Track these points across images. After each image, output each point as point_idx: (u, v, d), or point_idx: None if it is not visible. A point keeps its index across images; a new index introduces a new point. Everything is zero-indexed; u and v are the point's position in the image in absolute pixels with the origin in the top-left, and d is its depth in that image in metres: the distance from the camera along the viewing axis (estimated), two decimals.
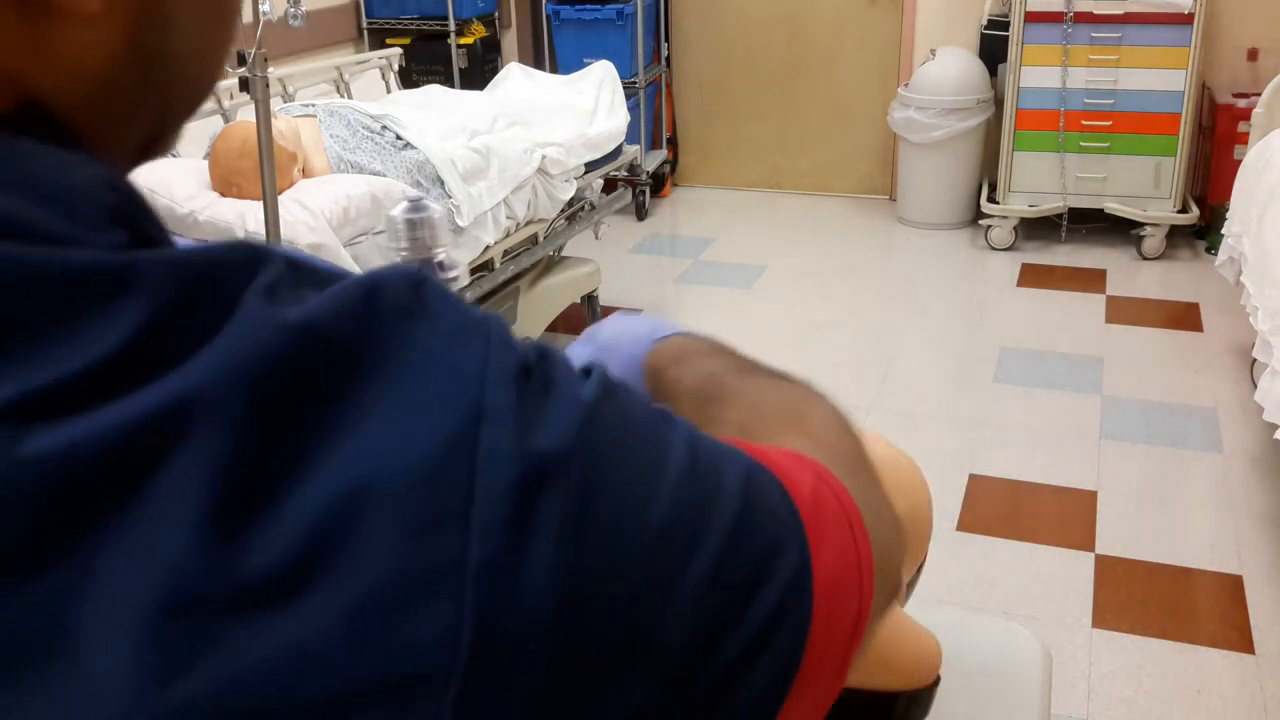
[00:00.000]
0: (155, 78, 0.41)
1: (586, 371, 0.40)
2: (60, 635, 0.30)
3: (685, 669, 0.38)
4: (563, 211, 3.34)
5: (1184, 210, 4.30)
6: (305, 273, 0.37)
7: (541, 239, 3.22)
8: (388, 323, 0.35)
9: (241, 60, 2.05)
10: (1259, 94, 3.60)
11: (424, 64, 4.57)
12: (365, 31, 4.61)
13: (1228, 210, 3.28)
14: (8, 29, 0.36)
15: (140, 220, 0.37)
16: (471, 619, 0.32)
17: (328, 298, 0.35)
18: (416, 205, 0.81)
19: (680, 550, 0.38)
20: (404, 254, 0.81)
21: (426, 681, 0.32)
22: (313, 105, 3.00)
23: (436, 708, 0.32)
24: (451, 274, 0.82)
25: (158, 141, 0.44)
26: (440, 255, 0.81)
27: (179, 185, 2.55)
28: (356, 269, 2.41)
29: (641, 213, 4.96)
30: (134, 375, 0.32)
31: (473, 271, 2.91)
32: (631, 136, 3.68)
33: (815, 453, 0.50)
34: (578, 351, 0.75)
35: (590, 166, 3.38)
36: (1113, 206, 4.34)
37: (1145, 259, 4.34)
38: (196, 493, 0.31)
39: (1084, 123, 4.28)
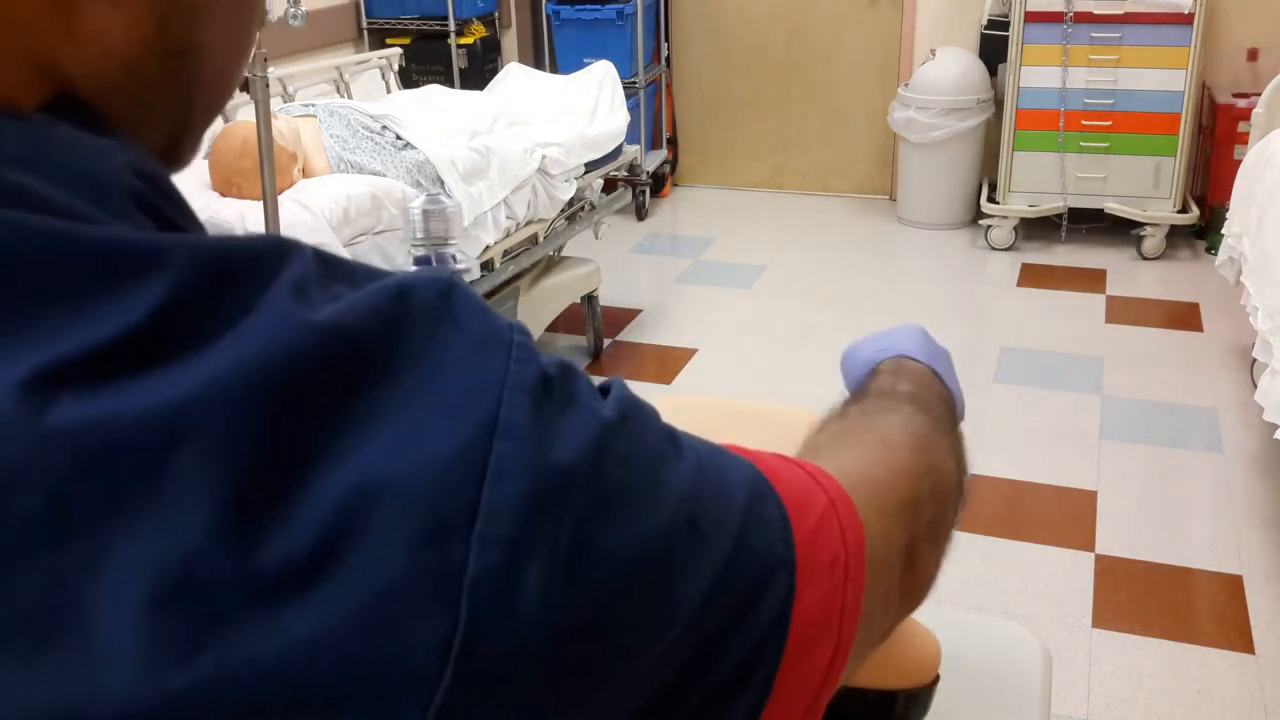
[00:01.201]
0: (180, 69, 0.42)
1: (605, 390, 0.40)
2: (74, 613, 0.30)
3: (662, 702, 0.39)
4: (563, 211, 3.34)
5: (1184, 210, 4.30)
6: (336, 268, 0.37)
7: (541, 239, 3.22)
8: (414, 328, 0.35)
9: None
10: (1259, 94, 3.60)
11: (424, 64, 4.57)
12: (365, 31, 4.61)
13: (1228, 210, 3.28)
14: (42, 14, 0.37)
15: (166, 208, 0.38)
16: (464, 629, 0.33)
17: (358, 299, 0.35)
18: (433, 199, 0.83)
19: (671, 585, 0.38)
20: (419, 244, 0.83)
21: (415, 685, 0.32)
22: (313, 105, 3.00)
23: (420, 714, 0.32)
24: (463, 265, 0.84)
25: (180, 143, 0.45)
26: (454, 247, 0.83)
27: (179, 185, 2.55)
28: None
29: (641, 213, 4.96)
30: (155, 354, 0.32)
31: None
32: (631, 136, 3.68)
33: (860, 482, 0.49)
34: (854, 350, 0.78)
35: (590, 166, 3.38)
36: (1113, 206, 4.34)
37: (1145, 259, 4.34)
38: (215, 481, 0.31)
39: (1084, 123, 4.28)
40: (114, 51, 0.39)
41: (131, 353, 0.32)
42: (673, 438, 0.42)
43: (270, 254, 0.36)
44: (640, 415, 0.41)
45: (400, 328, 0.35)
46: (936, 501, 0.55)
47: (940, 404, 0.65)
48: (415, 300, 0.36)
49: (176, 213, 0.39)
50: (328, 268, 0.37)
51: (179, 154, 0.46)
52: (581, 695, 0.36)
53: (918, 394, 0.65)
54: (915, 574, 0.53)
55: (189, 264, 0.34)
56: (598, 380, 0.41)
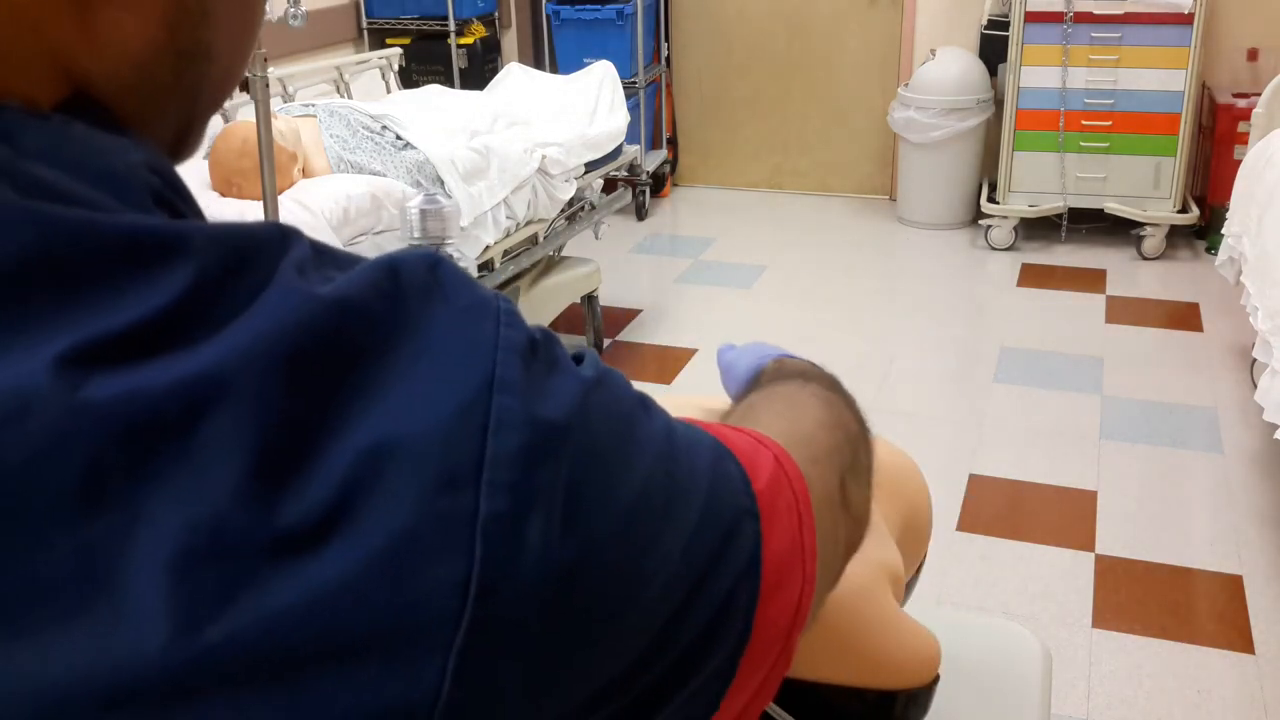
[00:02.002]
0: (189, 69, 0.44)
1: (579, 358, 0.43)
2: (109, 577, 0.32)
3: (655, 642, 0.41)
4: (563, 211, 3.34)
5: (1184, 210, 4.30)
6: (325, 254, 0.40)
7: (541, 239, 3.22)
8: (410, 300, 0.38)
9: None
10: (1259, 94, 3.60)
11: (424, 64, 4.57)
12: (365, 31, 4.61)
13: (1228, 210, 3.28)
14: (61, 16, 0.39)
15: (177, 202, 0.40)
16: (479, 571, 0.35)
17: (356, 276, 0.38)
18: (430, 199, 0.84)
19: (655, 533, 0.41)
20: (417, 244, 0.84)
21: (436, 628, 0.34)
22: (313, 105, 3.00)
23: (443, 655, 0.34)
24: (460, 265, 0.85)
25: (185, 139, 0.47)
26: (451, 246, 0.84)
27: None
28: None
29: (641, 213, 4.96)
30: (183, 333, 0.34)
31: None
32: (631, 136, 3.68)
33: (788, 438, 0.53)
34: (727, 353, 0.84)
35: (590, 166, 3.38)
36: (1113, 206, 4.34)
37: (1145, 259, 4.34)
38: (241, 447, 0.33)
39: (1084, 123, 4.28)
40: (128, 53, 0.41)
41: (160, 333, 0.34)
42: (643, 401, 0.45)
43: (274, 239, 0.38)
44: (613, 379, 0.43)
45: (396, 300, 0.38)
46: (851, 445, 0.60)
47: (827, 379, 0.69)
48: (406, 275, 0.38)
49: (185, 207, 0.41)
50: (319, 253, 0.40)
51: (183, 148, 0.47)
52: (586, 641, 0.38)
53: (806, 372, 0.70)
54: (850, 512, 0.57)
55: (209, 250, 0.36)
56: (570, 351, 0.43)
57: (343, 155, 2.82)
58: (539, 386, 0.38)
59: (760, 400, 0.64)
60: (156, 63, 0.42)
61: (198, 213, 0.42)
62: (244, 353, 0.34)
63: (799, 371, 0.70)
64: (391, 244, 2.64)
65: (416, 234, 0.70)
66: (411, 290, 0.38)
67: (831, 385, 0.66)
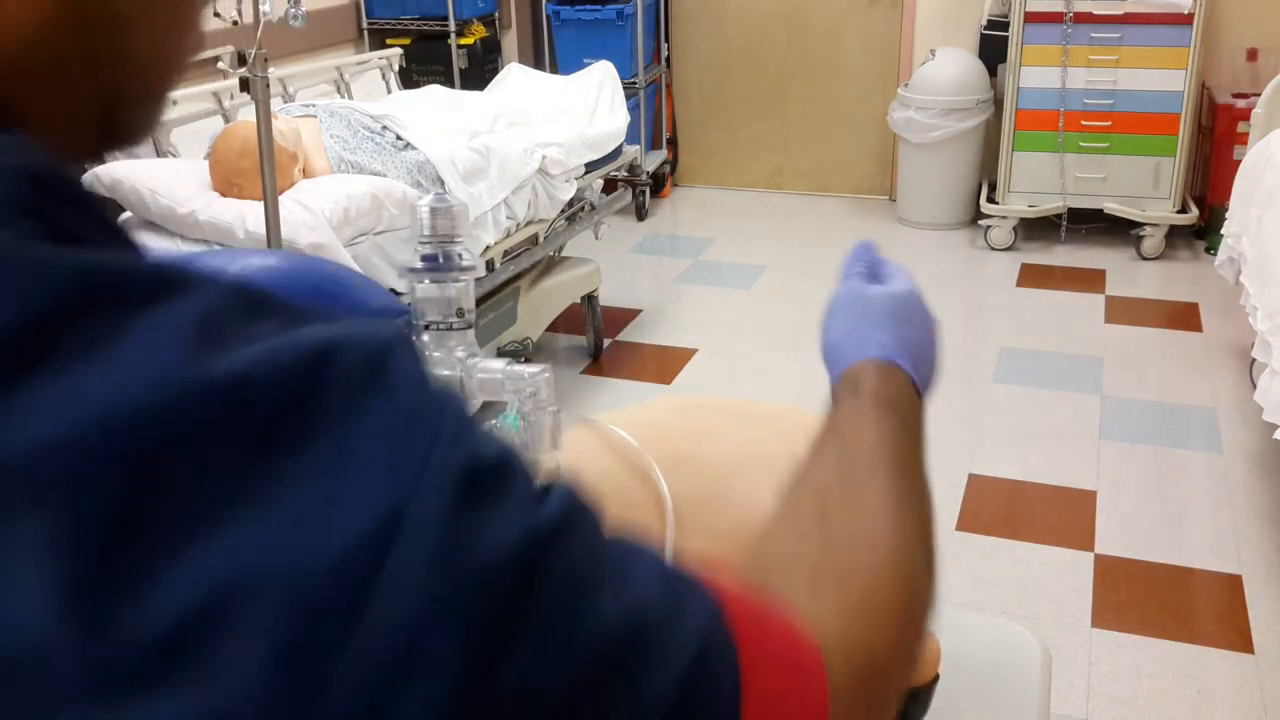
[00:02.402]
0: (99, 44, 0.38)
1: (548, 489, 0.35)
2: None
3: None
4: (563, 211, 3.34)
5: (1183, 210, 4.31)
6: (262, 304, 0.33)
7: (541, 239, 3.22)
8: (329, 394, 0.31)
9: (242, 60, 2.05)
10: (1259, 94, 3.60)
11: (424, 64, 4.57)
12: (365, 32, 4.61)
13: (1227, 210, 3.28)
14: None
15: (65, 216, 0.33)
16: None
17: (272, 349, 0.31)
18: (440, 197, 0.84)
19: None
20: (426, 242, 0.84)
21: None
22: (313, 105, 3.00)
23: None
24: (469, 263, 0.85)
25: (115, 123, 0.41)
26: (460, 245, 0.85)
27: (179, 185, 2.55)
28: (356, 268, 2.41)
29: (641, 213, 4.96)
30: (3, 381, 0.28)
31: None
32: (631, 136, 3.68)
33: (835, 636, 0.44)
34: (845, 325, 0.69)
35: (590, 167, 3.38)
36: (1112, 206, 4.35)
37: (1145, 259, 4.34)
38: (60, 553, 0.27)
39: (1083, 123, 4.28)
40: (12, 29, 0.36)
41: None
42: (619, 557, 0.36)
43: (155, 281, 0.31)
44: (580, 526, 0.35)
45: (310, 393, 0.30)
46: (911, 650, 0.50)
47: (917, 443, 0.59)
48: (341, 361, 0.31)
49: (81, 220, 0.33)
50: (251, 303, 0.33)
51: (120, 131, 0.41)
52: None
53: (898, 444, 0.58)
54: None
55: (51, 281, 0.29)
56: (546, 482, 0.36)
57: (343, 155, 2.82)
58: (466, 527, 0.31)
59: (837, 541, 0.51)
60: (54, 38, 0.36)
61: (103, 225, 0.35)
62: (79, 433, 0.27)
63: (890, 451, 0.58)
64: (392, 244, 2.64)
65: (426, 232, 0.70)
66: (342, 380, 0.31)
67: (916, 477, 0.55)
